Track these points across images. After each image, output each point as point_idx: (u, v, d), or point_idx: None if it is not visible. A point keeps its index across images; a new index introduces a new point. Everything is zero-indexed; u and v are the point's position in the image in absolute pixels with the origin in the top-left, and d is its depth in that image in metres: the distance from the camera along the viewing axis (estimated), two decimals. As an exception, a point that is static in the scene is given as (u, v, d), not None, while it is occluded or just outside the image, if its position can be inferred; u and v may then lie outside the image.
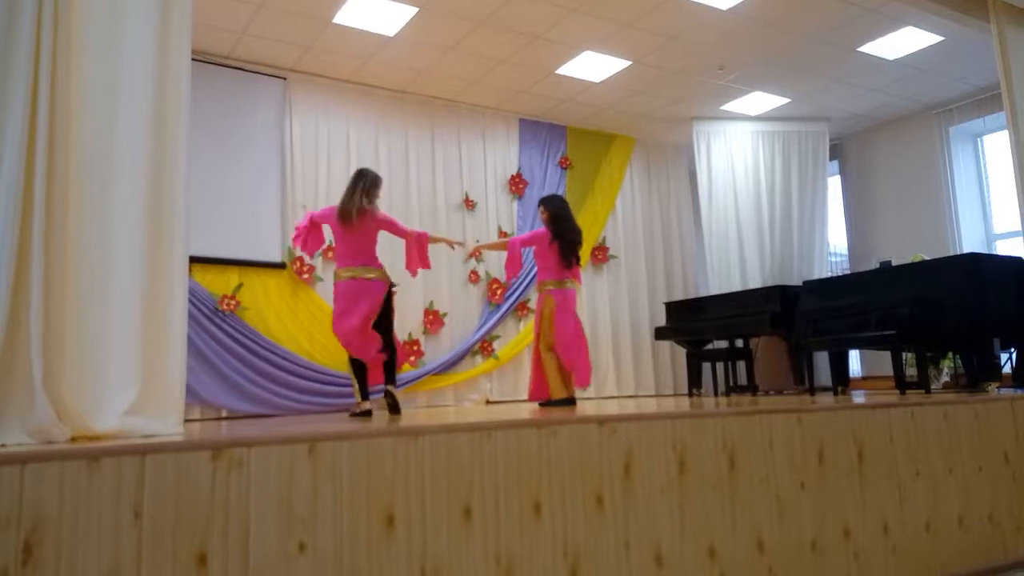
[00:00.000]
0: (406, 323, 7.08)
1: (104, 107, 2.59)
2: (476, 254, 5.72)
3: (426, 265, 4.95)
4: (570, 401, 5.14)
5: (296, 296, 6.85)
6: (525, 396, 7.17)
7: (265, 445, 1.90)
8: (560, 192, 8.39)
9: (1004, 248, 8.17)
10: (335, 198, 6.77)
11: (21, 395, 2.21)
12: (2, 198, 2.29)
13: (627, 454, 2.51)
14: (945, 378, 7.24)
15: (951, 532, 3.38)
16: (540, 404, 5.21)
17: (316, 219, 4.90)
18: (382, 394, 4.64)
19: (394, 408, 4.58)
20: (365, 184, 4.70)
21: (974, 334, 5.23)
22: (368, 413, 4.58)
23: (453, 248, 5.03)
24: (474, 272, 7.84)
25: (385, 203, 7.26)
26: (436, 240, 5.12)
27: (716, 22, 6.47)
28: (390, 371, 4.65)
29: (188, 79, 2.83)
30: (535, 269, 5.73)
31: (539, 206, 5.51)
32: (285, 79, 7.10)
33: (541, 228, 5.37)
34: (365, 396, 4.53)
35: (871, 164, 9.14)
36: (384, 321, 4.62)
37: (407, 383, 6.96)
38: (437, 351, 7.45)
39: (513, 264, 5.38)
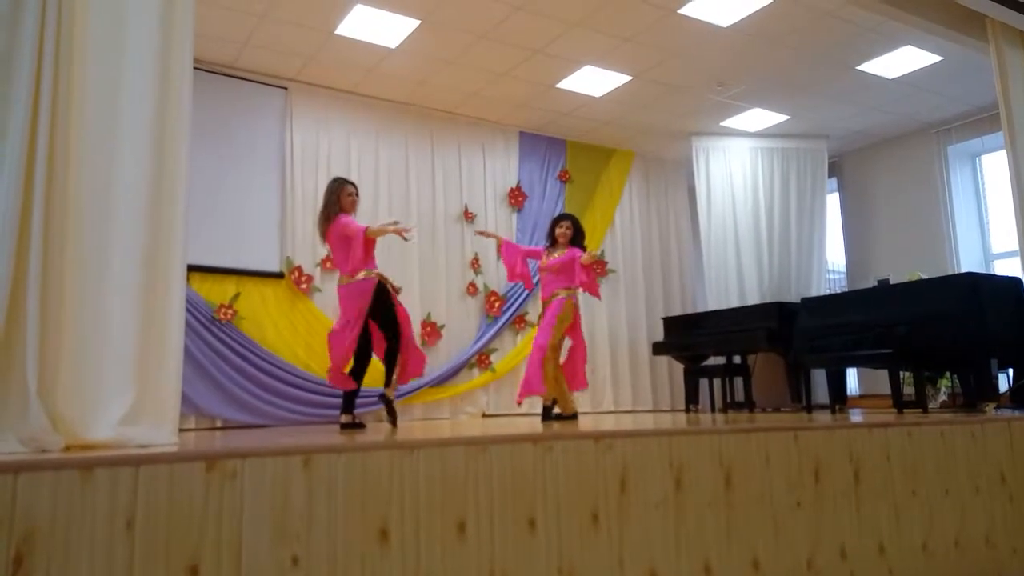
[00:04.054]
0: (403, 334, 7.07)
1: (105, 118, 2.60)
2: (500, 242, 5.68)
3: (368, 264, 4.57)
4: (575, 416, 5.17)
5: (294, 306, 6.84)
6: (522, 409, 7.18)
7: (259, 457, 1.89)
8: (559, 206, 8.42)
9: (1002, 268, 8.18)
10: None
11: (16, 403, 2.20)
12: (2, 205, 2.29)
13: (623, 470, 2.50)
14: (943, 397, 7.23)
15: (947, 553, 3.37)
16: (553, 416, 5.17)
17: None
18: (377, 399, 4.60)
19: (390, 416, 4.54)
20: (327, 191, 4.69)
21: (971, 354, 5.23)
22: (360, 425, 4.56)
23: (407, 238, 4.80)
24: (472, 284, 7.84)
25: (385, 215, 7.29)
26: (379, 232, 4.59)
27: (716, 39, 6.51)
28: (388, 369, 4.53)
29: (190, 88, 2.84)
30: (536, 279, 5.70)
31: (565, 221, 5.44)
32: (286, 89, 7.12)
33: (575, 248, 5.28)
34: (346, 410, 4.49)
35: (870, 182, 9.17)
36: (384, 322, 4.54)
37: (403, 395, 6.94)
38: (434, 363, 7.42)
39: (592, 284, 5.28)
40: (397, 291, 4.67)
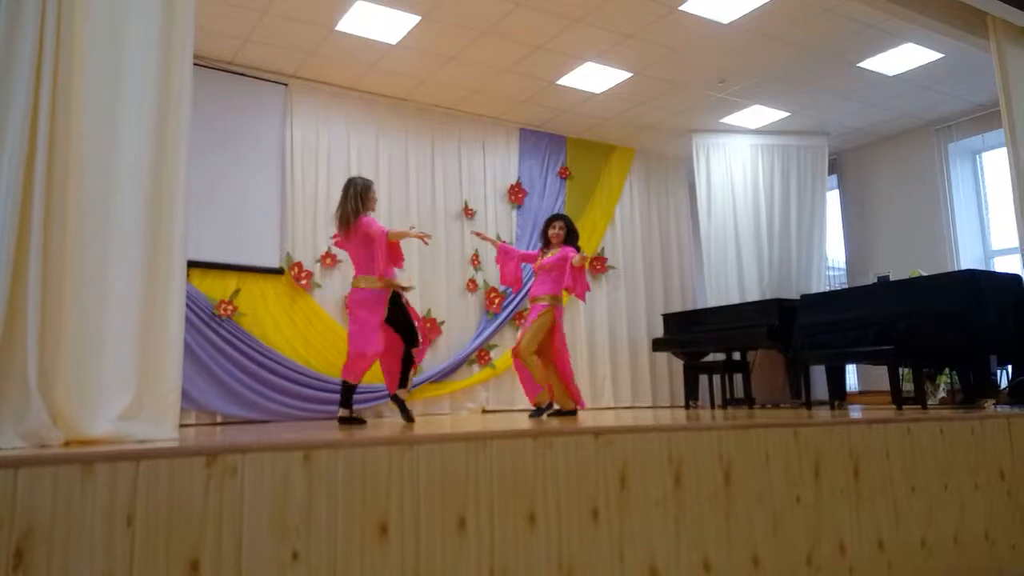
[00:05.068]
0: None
1: (105, 112, 2.59)
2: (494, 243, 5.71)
3: (397, 264, 4.71)
4: (574, 412, 5.19)
5: (294, 302, 6.84)
6: (522, 405, 7.19)
7: (260, 452, 1.90)
8: (560, 202, 8.42)
9: (1002, 265, 8.18)
10: (334, 205, 6.79)
11: (16, 398, 2.20)
12: (2, 200, 2.29)
13: (623, 466, 2.50)
14: (942, 394, 7.24)
15: (946, 549, 3.37)
16: (551, 413, 5.17)
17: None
18: (391, 399, 4.64)
19: (404, 415, 4.59)
20: (355, 191, 4.67)
21: (971, 350, 5.23)
22: (359, 421, 4.57)
23: (427, 242, 4.85)
24: (472, 281, 7.84)
25: (384, 211, 7.29)
26: (400, 235, 4.72)
27: (717, 36, 6.50)
28: (404, 371, 4.58)
29: (190, 84, 2.84)
30: (532, 279, 5.69)
31: (557, 221, 5.45)
32: (287, 85, 7.11)
33: (568, 247, 5.27)
34: (345, 404, 4.51)
35: (870, 179, 9.16)
36: (399, 327, 4.58)
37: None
38: (434, 359, 7.43)
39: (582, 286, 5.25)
40: (407, 290, 4.70)
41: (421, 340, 4.65)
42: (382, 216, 7.10)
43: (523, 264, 5.72)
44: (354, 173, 6.81)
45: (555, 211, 7.89)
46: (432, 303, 7.53)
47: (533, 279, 5.51)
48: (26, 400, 2.18)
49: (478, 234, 5.99)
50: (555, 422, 4.12)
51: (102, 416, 2.38)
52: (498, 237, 7.76)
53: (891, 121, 8.54)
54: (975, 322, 5.14)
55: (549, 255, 5.33)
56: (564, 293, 5.27)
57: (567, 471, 2.38)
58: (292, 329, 6.77)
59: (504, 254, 5.59)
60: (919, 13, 5.58)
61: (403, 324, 4.60)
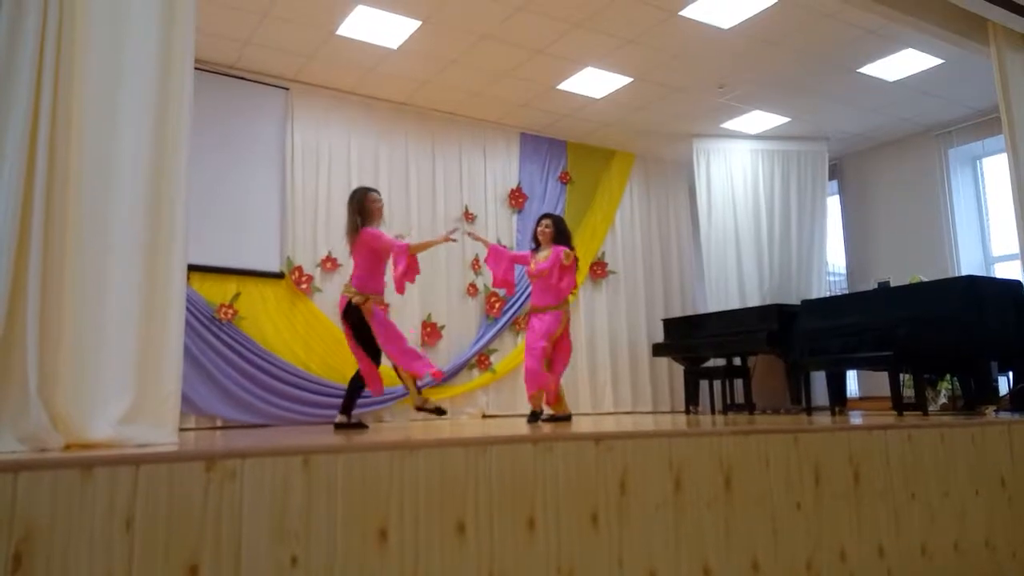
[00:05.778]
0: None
1: (105, 116, 2.59)
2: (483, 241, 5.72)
3: (410, 279, 4.65)
4: (569, 418, 5.18)
5: (294, 306, 6.84)
6: (523, 409, 7.17)
7: (259, 457, 1.89)
8: (560, 207, 8.42)
9: (1002, 271, 8.18)
10: (335, 209, 6.83)
11: (16, 402, 2.20)
12: (2, 203, 2.29)
13: (623, 471, 2.49)
14: (943, 400, 7.22)
15: (946, 556, 3.36)
16: (547, 418, 5.15)
17: None
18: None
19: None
20: (355, 203, 4.63)
21: (971, 357, 5.23)
22: (361, 426, 4.57)
23: (455, 239, 4.84)
24: (472, 285, 7.84)
25: (385, 215, 7.26)
26: (422, 247, 4.74)
27: (718, 41, 6.51)
28: (346, 401, 4.51)
29: (190, 87, 2.84)
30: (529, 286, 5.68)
31: (545, 219, 5.41)
32: (287, 89, 7.12)
33: (559, 247, 5.22)
34: (344, 411, 4.46)
35: (870, 184, 9.17)
36: (364, 338, 4.46)
37: (405, 395, 6.92)
38: (435, 363, 7.40)
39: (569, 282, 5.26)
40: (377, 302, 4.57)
41: (386, 351, 4.50)
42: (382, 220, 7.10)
43: (515, 264, 5.69)
44: (355, 177, 6.84)
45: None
46: (432, 307, 7.53)
47: (531, 286, 5.48)
48: (26, 404, 2.18)
49: (471, 235, 5.99)
50: (548, 427, 4.11)
51: (102, 420, 2.37)
52: (498, 241, 7.77)
53: (891, 126, 8.55)
54: (975, 328, 5.13)
55: (541, 259, 5.26)
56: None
57: (567, 476, 2.38)
58: (292, 333, 6.76)
59: (495, 255, 5.55)
60: (919, 19, 5.59)
61: (365, 337, 4.46)
